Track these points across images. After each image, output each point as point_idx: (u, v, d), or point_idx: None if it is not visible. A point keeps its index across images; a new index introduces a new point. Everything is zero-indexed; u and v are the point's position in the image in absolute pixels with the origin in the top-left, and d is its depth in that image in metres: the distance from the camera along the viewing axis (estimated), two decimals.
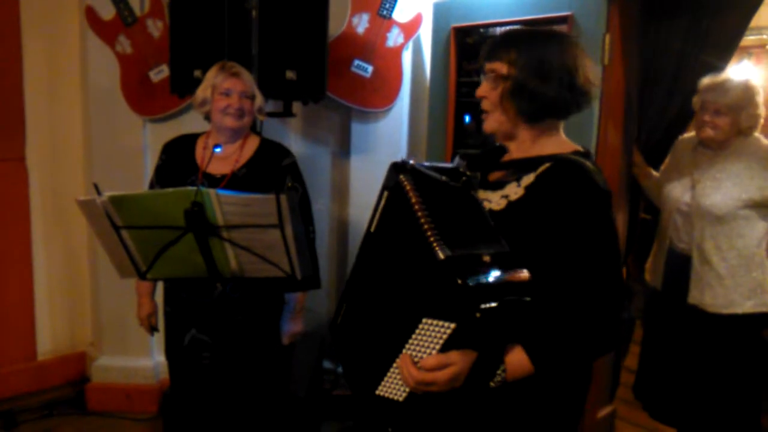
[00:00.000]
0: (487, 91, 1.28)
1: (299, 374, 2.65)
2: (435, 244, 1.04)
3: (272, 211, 1.53)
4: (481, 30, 2.78)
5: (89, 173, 3.13)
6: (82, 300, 3.32)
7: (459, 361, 1.08)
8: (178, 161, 2.10)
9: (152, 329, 2.22)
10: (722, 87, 2.27)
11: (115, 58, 2.91)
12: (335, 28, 2.84)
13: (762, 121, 2.30)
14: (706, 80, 2.33)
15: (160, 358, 3.13)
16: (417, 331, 1.10)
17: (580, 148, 1.29)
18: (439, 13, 2.89)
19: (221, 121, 2.02)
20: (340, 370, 3.18)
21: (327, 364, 3.14)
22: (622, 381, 2.92)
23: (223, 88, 2.01)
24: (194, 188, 1.53)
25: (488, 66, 1.28)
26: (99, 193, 1.55)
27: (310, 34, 2.50)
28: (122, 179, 2.97)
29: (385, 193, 1.23)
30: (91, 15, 2.87)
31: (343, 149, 3.20)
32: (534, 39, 1.27)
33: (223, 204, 1.55)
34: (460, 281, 1.00)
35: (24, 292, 3.19)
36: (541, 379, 1.16)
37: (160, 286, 2.22)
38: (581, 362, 1.27)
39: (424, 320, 1.08)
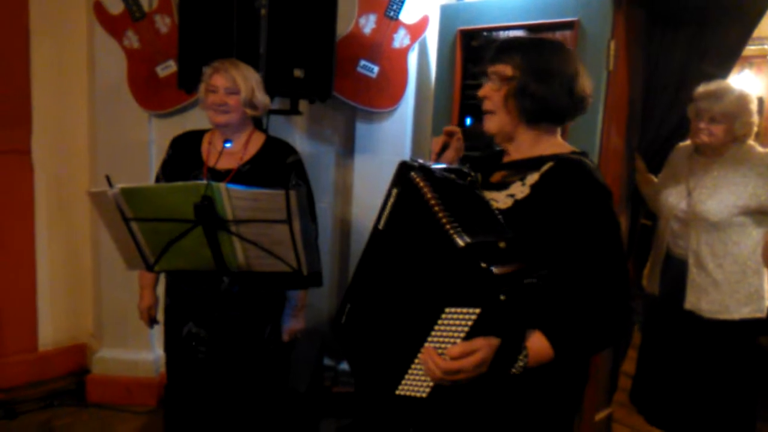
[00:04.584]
0: (490, 92, 1.33)
1: (299, 371, 2.66)
2: (453, 233, 1.06)
3: (281, 206, 1.55)
4: (486, 33, 2.79)
5: (94, 167, 3.14)
6: (84, 292, 3.34)
7: (484, 346, 1.10)
8: (184, 156, 2.11)
9: (151, 321, 2.23)
10: (717, 95, 2.29)
11: (122, 52, 2.93)
12: (342, 28, 2.85)
13: (756, 128, 2.33)
14: (701, 88, 2.36)
15: (160, 351, 3.14)
16: (439, 322, 1.10)
17: (576, 149, 1.35)
18: (446, 16, 2.91)
19: (210, 117, 2.05)
20: (340, 367, 3.20)
21: (327, 361, 3.16)
22: (619, 385, 2.94)
23: (210, 85, 2.03)
24: (205, 182, 1.55)
25: (493, 68, 1.33)
26: (111, 185, 1.57)
27: (319, 33, 2.52)
28: (127, 173, 2.97)
29: (395, 191, 1.25)
30: (99, 9, 2.89)
31: (347, 149, 3.21)
32: (538, 46, 1.33)
33: (232, 198, 1.57)
34: (484, 265, 1.02)
35: (26, 284, 3.20)
36: (545, 373, 1.19)
37: (162, 279, 2.23)
38: (597, 348, 1.34)
39: (447, 310, 1.09)
